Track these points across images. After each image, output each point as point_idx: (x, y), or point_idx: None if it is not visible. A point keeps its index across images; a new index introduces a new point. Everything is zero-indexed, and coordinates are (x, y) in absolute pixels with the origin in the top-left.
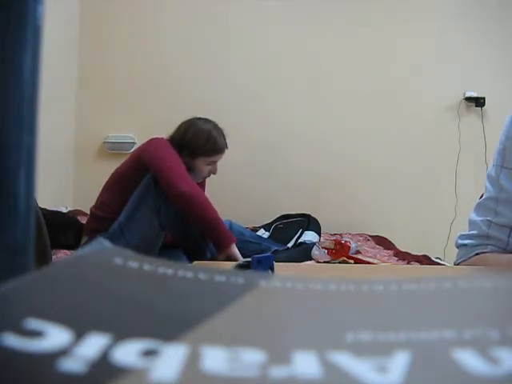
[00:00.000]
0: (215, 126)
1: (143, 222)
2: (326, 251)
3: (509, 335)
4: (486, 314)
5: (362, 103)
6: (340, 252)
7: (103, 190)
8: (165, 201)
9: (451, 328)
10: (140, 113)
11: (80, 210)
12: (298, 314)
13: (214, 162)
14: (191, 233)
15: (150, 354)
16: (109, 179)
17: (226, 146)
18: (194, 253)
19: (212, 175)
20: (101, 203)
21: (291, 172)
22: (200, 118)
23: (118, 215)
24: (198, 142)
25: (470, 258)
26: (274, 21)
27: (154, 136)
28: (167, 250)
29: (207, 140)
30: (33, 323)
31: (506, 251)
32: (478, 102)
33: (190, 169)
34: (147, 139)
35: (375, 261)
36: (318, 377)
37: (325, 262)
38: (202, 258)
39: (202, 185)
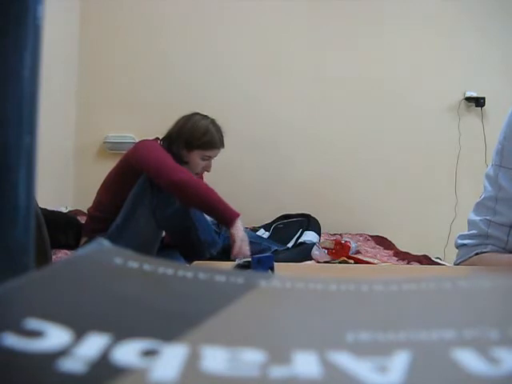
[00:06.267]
0: (213, 121)
1: (140, 222)
2: (326, 251)
3: (509, 335)
4: (486, 313)
5: (362, 103)
6: (340, 252)
7: (99, 191)
8: (161, 200)
9: (451, 328)
10: (140, 113)
11: (80, 210)
12: (298, 313)
13: (209, 158)
14: (188, 233)
15: (150, 354)
16: (103, 181)
17: (223, 144)
18: (191, 253)
19: (207, 173)
20: (97, 204)
21: (291, 172)
22: (199, 114)
23: (115, 216)
24: (195, 134)
25: (469, 257)
26: (274, 18)
27: (155, 136)
28: (167, 250)
29: (204, 133)
30: (33, 323)
31: (505, 250)
32: (478, 102)
33: (185, 162)
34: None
35: (375, 261)
36: (318, 377)
37: (325, 262)
38: (199, 258)
39: None
